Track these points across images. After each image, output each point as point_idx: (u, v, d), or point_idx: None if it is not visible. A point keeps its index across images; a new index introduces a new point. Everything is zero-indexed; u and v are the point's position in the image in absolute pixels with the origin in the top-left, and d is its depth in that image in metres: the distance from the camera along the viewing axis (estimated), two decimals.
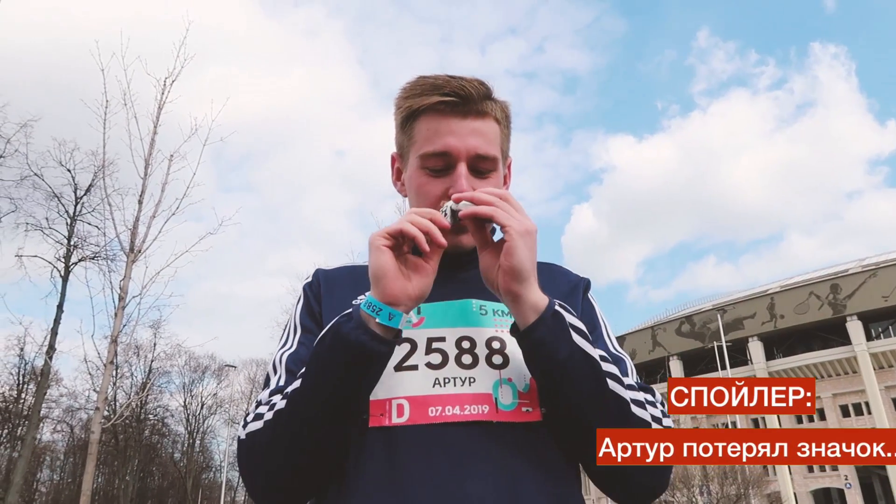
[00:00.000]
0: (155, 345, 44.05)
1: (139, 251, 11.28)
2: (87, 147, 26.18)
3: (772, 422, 45.24)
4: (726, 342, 41.05)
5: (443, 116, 1.16)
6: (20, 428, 36.58)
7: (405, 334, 1.08)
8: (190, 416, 52.82)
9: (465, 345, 1.09)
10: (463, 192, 1.13)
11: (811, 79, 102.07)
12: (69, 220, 27.30)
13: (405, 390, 1.06)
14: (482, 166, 1.17)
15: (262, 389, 1.16)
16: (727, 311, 47.61)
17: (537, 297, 1.01)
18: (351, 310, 1.01)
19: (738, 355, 47.81)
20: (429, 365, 1.07)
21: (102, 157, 12.22)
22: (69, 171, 26.27)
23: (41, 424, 37.26)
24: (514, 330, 1.04)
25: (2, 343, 53.61)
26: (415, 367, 1.08)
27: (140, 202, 11.61)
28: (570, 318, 1.03)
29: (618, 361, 1.18)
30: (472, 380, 1.06)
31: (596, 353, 1.03)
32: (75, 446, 48.80)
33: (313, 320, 1.21)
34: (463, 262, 1.25)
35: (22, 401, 38.80)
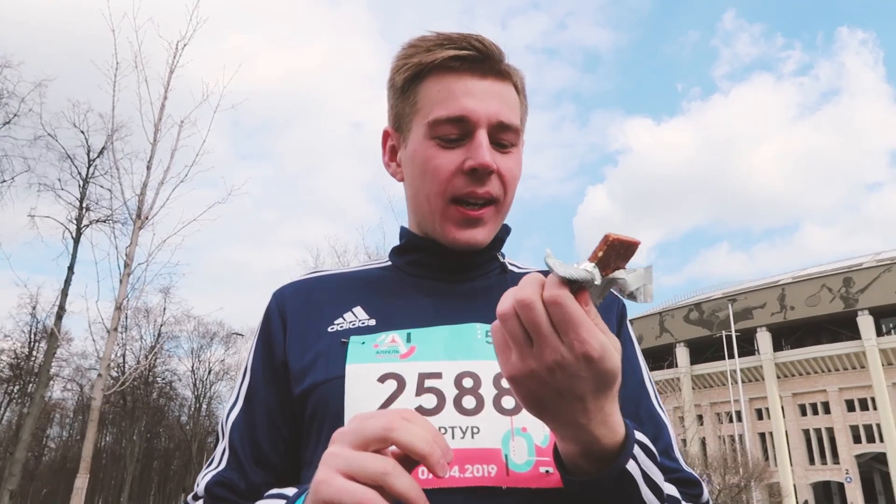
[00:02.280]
0: (165, 309, 44.40)
1: (146, 218, 11.27)
2: (101, 109, 26.29)
3: (777, 418, 45.26)
4: (735, 331, 40.85)
5: (457, 75, 0.95)
6: (30, 385, 37.15)
7: (390, 369, 0.88)
8: (197, 381, 53.45)
9: (468, 383, 0.87)
10: (486, 163, 0.91)
11: (837, 66, 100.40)
12: (82, 182, 27.33)
13: None
14: (504, 138, 0.96)
15: (211, 458, 0.98)
16: (737, 300, 47.32)
17: (603, 445, 0.70)
18: None
19: (746, 345, 47.64)
20: (420, 410, 0.84)
21: (111, 120, 12.21)
22: (83, 132, 26.21)
23: (51, 382, 37.87)
24: (557, 460, 0.77)
25: (14, 301, 54.25)
26: None
27: (148, 168, 11.62)
28: (645, 464, 0.74)
29: (659, 429, 0.97)
30: (475, 430, 0.84)
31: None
32: (84, 405, 49.56)
33: (267, 362, 0.98)
34: (466, 266, 1.02)
35: (33, 359, 39.32)
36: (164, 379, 50.56)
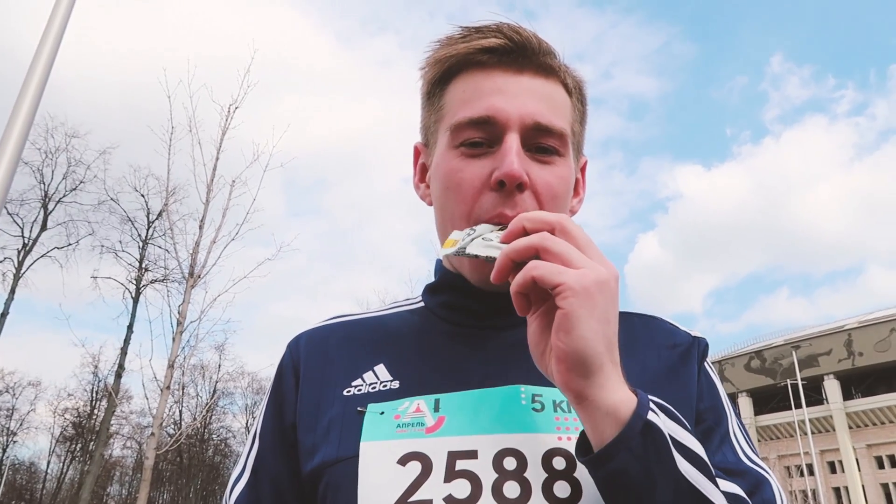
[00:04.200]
0: (220, 366, 45.13)
1: (198, 276, 11.55)
2: (160, 173, 27.61)
3: (852, 472, 42.78)
4: (801, 380, 39.10)
5: (486, 72, 0.81)
6: (91, 443, 38.00)
7: (412, 447, 0.73)
8: None
9: (510, 464, 0.71)
10: (513, 173, 0.75)
11: (895, 104, 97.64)
12: (141, 244, 28.55)
13: None
14: (543, 142, 0.80)
15: None
16: (801, 346, 45.42)
17: (616, 398, 0.61)
18: None
19: (813, 394, 45.47)
20: (450, 500, 0.70)
21: (167, 182, 12.70)
22: (143, 195, 27.61)
23: (111, 441, 38.69)
24: (582, 448, 0.65)
25: (78, 360, 56.12)
26: (427, 503, 0.70)
27: (201, 227, 11.92)
28: (673, 429, 0.63)
29: (757, 485, 0.76)
30: None
31: (716, 493, 0.63)
32: (142, 463, 50.39)
33: (277, 427, 0.85)
34: (504, 310, 0.81)
35: (95, 417, 40.34)
36: (219, 436, 51.15)
